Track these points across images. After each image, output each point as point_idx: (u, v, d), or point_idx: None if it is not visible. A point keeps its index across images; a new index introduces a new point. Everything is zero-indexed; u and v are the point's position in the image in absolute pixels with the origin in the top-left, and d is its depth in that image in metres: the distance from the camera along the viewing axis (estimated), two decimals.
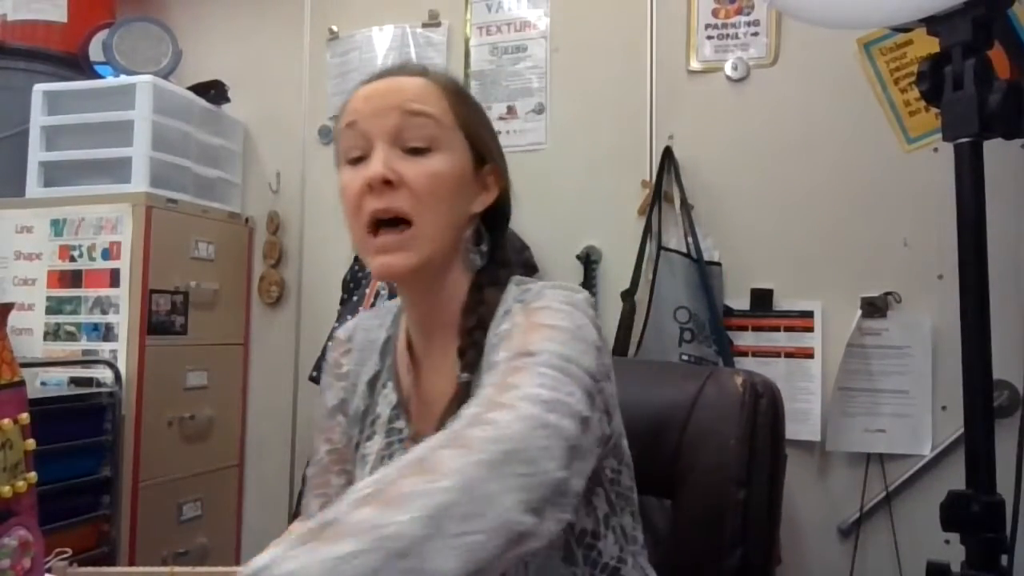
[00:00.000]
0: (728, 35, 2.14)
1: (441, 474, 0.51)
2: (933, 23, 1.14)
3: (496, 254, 0.92)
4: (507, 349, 0.71)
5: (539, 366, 0.66)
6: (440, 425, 0.81)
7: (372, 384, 0.93)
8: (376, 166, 0.80)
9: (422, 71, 0.88)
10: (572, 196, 2.23)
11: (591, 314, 0.79)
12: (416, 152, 0.82)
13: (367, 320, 1.00)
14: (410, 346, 0.92)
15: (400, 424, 0.89)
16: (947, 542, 1.18)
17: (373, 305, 2.08)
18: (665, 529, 1.12)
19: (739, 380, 1.12)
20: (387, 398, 0.91)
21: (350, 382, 0.95)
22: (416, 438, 0.85)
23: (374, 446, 0.89)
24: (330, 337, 2.11)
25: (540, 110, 2.30)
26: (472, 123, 0.88)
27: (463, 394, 0.79)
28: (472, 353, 0.83)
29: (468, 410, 0.61)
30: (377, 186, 0.80)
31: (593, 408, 0.67)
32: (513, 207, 0.95)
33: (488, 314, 0.85)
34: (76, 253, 2.17)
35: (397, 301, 0.98)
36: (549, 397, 0.61)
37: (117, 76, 2.34)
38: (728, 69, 2.12)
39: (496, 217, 0.92)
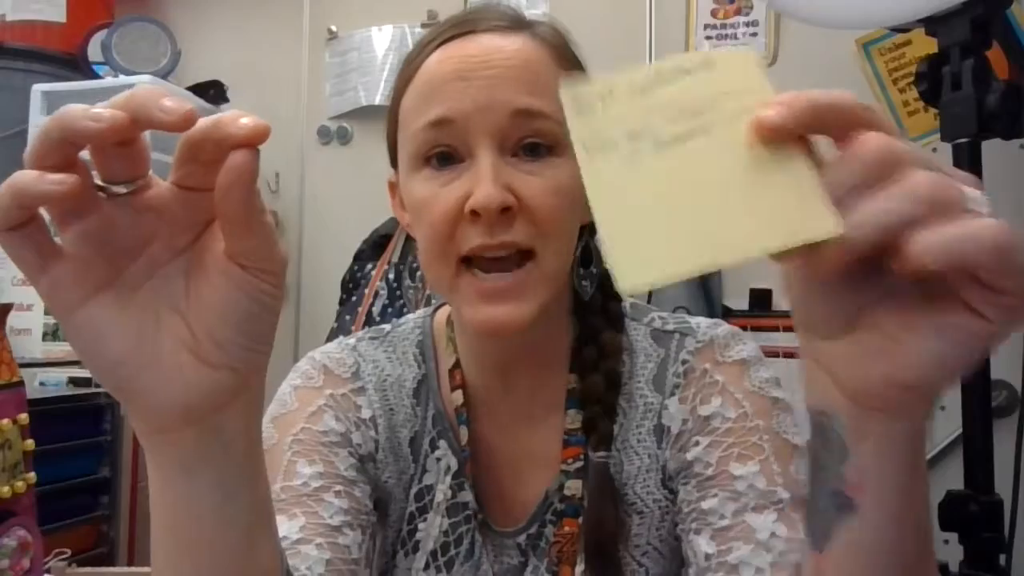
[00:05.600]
0: (727, 35, 2.14)
1: None
2: (932, 23, 1.14)
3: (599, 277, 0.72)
4: (756, 474, 0.63)
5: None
6: (534, 518, 0.70)
7: (413, 444, 0.73)
8: (487, 188, 0.58)
9: (524, 22, 0.67)
10: None
11: None
12: (532, 153, 0.61)
13: (370, 352, 0.75)
14: (463, 387, 0.72)
15: (465, 498, 0.71)
16: (946, 542, 1.19)
17: (371, 307, 2.03)
18: None
19: None
20: (441, 464, 0.71)
21: (382, 434, 0.72)
22: (491, 523, 0.71)
23: (432, 529, 0.71)
24: (332, 336, 2.12)
25: None
26: None
27: (602, 478, 0.66)
28: (605, 425, 0.68)
29: None
30: (490, 216, 0.58)
31: None
32: None
33: (614, 366, 0.69)
34: None
35: (410, 328, 0.77)
36: None
37: (116, 76, 2.33)
38: None
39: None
